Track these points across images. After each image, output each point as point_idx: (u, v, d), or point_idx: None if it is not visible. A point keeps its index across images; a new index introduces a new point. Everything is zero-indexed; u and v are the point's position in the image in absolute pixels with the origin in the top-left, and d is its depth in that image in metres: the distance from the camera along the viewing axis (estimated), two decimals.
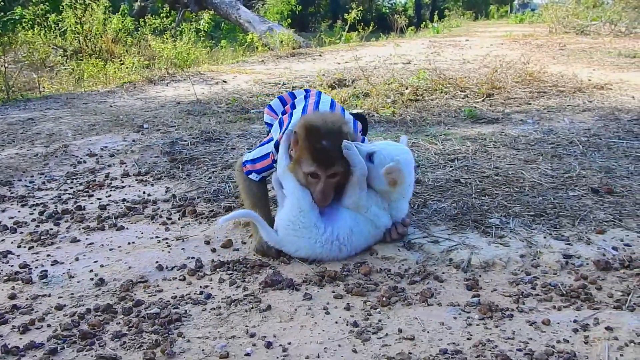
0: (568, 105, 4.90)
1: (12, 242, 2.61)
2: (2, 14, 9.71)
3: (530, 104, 5.08)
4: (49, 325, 1.88)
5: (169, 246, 2.49)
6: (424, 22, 21.28)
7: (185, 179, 3.44)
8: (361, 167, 2.25)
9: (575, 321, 1.80)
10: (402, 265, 2.25)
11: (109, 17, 9.82)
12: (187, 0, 15.30)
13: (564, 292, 1.98)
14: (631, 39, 10.87)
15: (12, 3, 12.23)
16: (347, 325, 1.84)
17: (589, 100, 5.06)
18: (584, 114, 4.60)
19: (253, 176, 2.53)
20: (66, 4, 9.75)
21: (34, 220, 2.89)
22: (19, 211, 3.04)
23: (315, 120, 2.31)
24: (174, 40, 9.04)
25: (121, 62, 8.14)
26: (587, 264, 2.17)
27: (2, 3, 9.15)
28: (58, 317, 1.94)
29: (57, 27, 9.98)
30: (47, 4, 10.59)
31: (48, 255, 2.45)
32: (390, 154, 2.30)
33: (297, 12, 19.83)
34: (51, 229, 2.75)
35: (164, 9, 13.22)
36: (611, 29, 11.95)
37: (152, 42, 8.69)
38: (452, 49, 10.58)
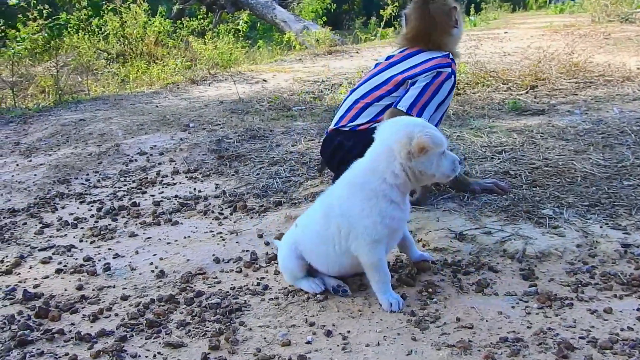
0: (617, 95, 4.78)
1: (74, 237, 2.73)
2: (49, 20, 10.08)
3: (576, 94, 4.98)
4: (116, 315, 1.96)
5: (223, 240, 2.56)
6: None
7: (233, 175, 3.51)
8: None
9: (638, 309, 1.78)
10: (456, 256, 2.25)
11: (149, 19, 10.02)
12: (224, 2, 15.50)
13: (625, 281, 1.96)
14: None
15: (58, 9, 12.65)
16: (404, 314, 1.86)
17: (638, 89, 4.93)
18: (634, 103, 4.48)
19: None
20: (109, 9, 10.01)
21: (92, 216, 3.01)
22: (78, 207, 3.16)
23: None
24: (214, 41, 9.17)
25: (164, 64, 8.31)
26: None
27: (49, 9, 9.48)
28: (124, 306, 2.02)
29: (100, 31, 10.24)
30: (89, 9, 10.91)
31: (109, 249, 2.55)
32: None
33: (331, 10, 19.83)
34: (109, 224, 2.86)
35: (201, 10, 13.43)
36: None
37: (194, 44, 8.84)
38: (492, 41, 10.39)
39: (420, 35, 2.61)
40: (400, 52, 2.69)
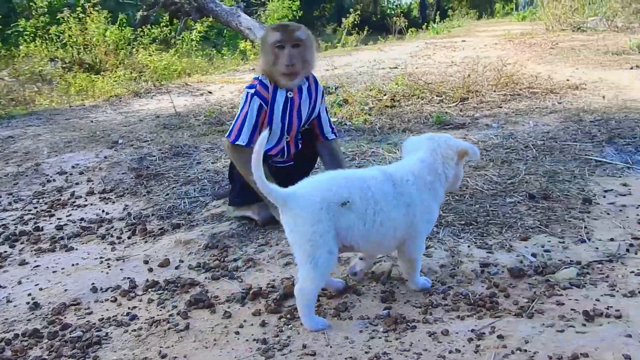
0: (537, 108, 4.92)
1: None
2: (1, 27, 9.91)
3: (501, 107, 5.11)
4: None
5: (109, 267, 2.58)
6: (426, 23, 21.24)
7: (144, 195, 3.53)
8: None
9: (472, 330, 1.86)
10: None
11: (108, 27, 9.92)
12: (189, 9, 15.48)
13: (472, 302, 2.04)
14: (627, 34, 10.76)
15: (16, 15, 12.50)
16: (256, 342, 1.91)
17: (559, 101, 5.07)
18: (550, 116, 4.62)
19: None
20: (66, 17, 9.88)
21: None
22: None
23: None
24: (160, 52, 9.14)
25: (109, 76, 8.26)
26: (503, 272, 2.23)
27: (0, 17, 9.33)
28: None
29: (58, 39, 10.13)
30: (47, 16, 10.80)
31: None
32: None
33: (297, 17, 19.92)
34: (5, 252, 2.85)
35: (164, 18, 13.39)
36: (607, 25, 11.86)
37: (139, 55, 8.80)
38: (445, 50, 10.56)
39: None
40: None
